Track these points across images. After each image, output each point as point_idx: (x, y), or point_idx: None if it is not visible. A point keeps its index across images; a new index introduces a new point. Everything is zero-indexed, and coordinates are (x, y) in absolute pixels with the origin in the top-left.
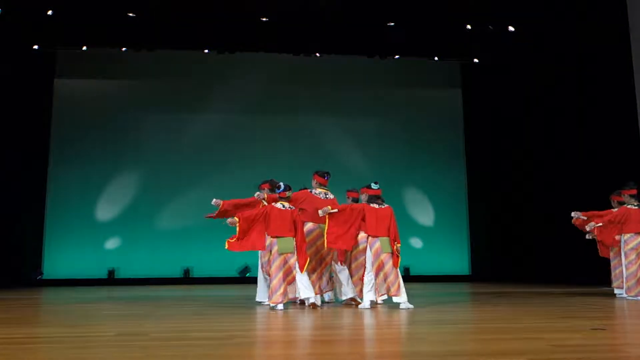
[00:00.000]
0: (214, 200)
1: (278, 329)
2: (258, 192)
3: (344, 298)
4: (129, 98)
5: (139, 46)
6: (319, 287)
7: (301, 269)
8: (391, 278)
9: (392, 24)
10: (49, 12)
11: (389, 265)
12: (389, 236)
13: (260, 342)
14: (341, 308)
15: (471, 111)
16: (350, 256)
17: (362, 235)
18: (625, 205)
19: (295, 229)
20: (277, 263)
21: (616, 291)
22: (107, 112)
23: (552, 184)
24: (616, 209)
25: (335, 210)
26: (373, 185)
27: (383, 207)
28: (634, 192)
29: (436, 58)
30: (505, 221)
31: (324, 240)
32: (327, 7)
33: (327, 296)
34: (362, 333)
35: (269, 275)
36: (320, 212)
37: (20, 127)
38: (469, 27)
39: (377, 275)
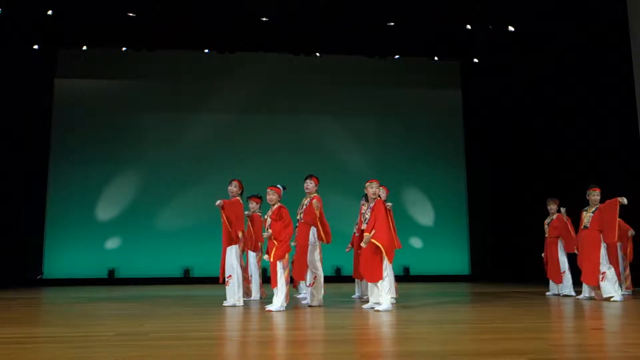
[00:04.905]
0: None
1: (278, 329)
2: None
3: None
4: (129, 98)
5: (139, 46)
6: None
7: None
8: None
9: (392, 24)
10: (49, 12)
11: None
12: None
13: (260, 342)
14: (342, 308)
15: (471, 111)
16: None
17: None
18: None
19: None
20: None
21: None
22: (107, 112)
23: (552, 184)
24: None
25: None
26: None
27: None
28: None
29: (436, 58)
30: (505, 221)
31: None
32: (327, 7)
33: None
34: (362, 333)
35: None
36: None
37: (20, 127)
38: (469, 27)
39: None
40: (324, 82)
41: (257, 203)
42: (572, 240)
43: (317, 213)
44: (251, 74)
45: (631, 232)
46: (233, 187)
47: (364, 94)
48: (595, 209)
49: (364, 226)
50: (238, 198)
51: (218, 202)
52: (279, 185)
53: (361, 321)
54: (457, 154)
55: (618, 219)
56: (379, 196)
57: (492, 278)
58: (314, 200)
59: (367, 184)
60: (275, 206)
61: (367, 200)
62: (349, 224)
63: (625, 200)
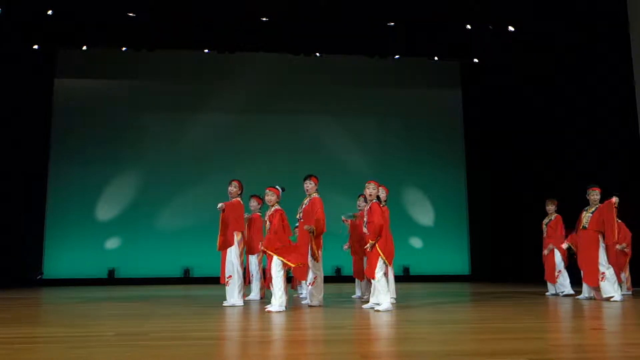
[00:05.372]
0: None
1: (278, 329)
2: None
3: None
4: (129, 98)
5: (139, 46)
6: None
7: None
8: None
9: (392, 24)
10: (49, 12)
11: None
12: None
13: (260, 342)
14: (342, 308)
15: (471, 111)
16: None
17: None
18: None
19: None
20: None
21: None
22: (107, 112)
23: (552, 184)
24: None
25: None
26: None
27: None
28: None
29: (436, 58)
30: (505, 221)
31: None
32: (327, 7)
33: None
34: (362, 333)
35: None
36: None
37: (21, 127)
38: (469, 27)
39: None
40: (324, 82)
41: (258, 203)
42: (562, 249)
43: (312, 237)
44: (251, 74)
45: (621, 246)
46: (233, 188)
47: (364, 94)
48: (595, 210)
49: (364, 229)
50: (239, 199)
51: (220, 205)
52: (277, 187)
53: (361, 321)
54: (457, 154)
55: (619, 221)
56: (378, 197)
57: (492, 278)
58: (306, 226)
59: (366, 184)
60: (273, 208)
61: (365, 201)
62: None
63: (615, 200)
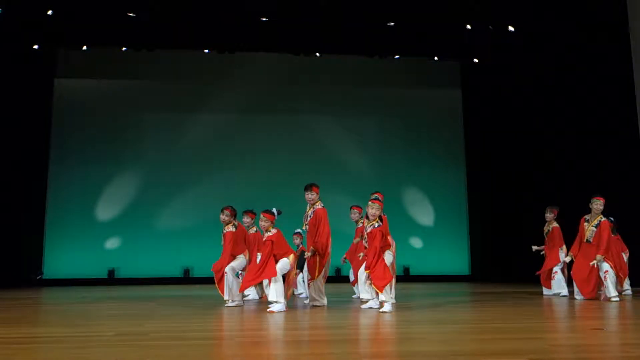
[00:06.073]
0: None
1: (278, 329)
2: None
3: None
4: (129, 98)
5: (139, 46)
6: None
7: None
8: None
9: (392, 23)
10: (49, 12)
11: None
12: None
13: (260, 342)
14: (342, 308)
15: (471, 111)
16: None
17: None
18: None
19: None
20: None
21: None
22: (107, 112)
23: (552, 184)
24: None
25: None
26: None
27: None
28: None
29: (436, 58)
30: (506, 221)
31: None
32: (327, 7)
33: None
34: (361, 333)
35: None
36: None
37: (21, 127)
38: (469, 27)
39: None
40: (324, 82)
41: (251, 218)
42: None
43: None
44: (251, 74)
45: (626, 254)
46: (225, 217)
47: (364, 94)
48: (598, 224)
49: (365, 243)
50: (231, 230)
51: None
52: (273, 210)
53: (361, 321)
54: (457, 154)
55: (616, 235)
56: (380, 218)
57: (492, 278)
58: (306, 254)
59: (369, 203)
60: (267, 235)
61: (367, 218)
62: (349, 224)
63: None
